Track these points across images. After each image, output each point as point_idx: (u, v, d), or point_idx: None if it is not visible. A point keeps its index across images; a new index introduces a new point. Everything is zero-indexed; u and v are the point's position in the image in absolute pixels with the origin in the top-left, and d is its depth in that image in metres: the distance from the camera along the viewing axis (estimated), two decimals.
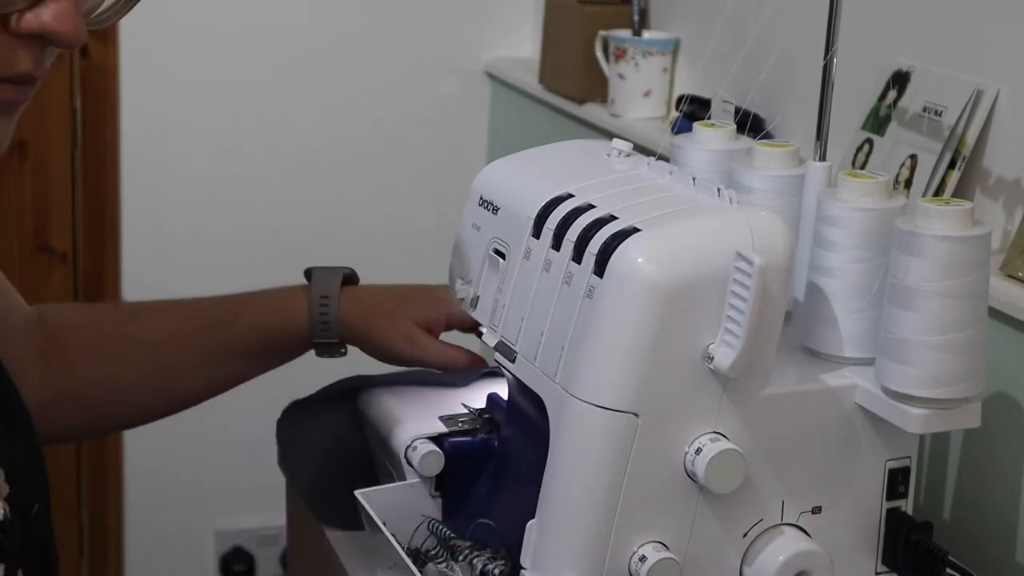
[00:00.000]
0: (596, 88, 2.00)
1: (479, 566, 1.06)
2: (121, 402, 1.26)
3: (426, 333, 1.24)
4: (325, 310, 1.25)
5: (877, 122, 1.42)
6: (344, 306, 1.25)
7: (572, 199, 1.05)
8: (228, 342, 1.26)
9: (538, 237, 1.06)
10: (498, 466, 1.16)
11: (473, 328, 1.19)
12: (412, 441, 1.16)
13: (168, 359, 1.26)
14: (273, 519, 1.97)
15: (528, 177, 1.14)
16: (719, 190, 1.02)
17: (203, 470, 2.38)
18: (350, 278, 1.29)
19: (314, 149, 2.32)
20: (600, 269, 0.97)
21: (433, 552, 1.11)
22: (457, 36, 2.36)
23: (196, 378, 1.27)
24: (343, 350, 1.28)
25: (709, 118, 1.26)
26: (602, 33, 1.97)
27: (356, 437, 1.28)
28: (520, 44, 2.37)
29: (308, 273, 1.28)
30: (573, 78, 2.03)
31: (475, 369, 1.26)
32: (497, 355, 1.10)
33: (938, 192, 1.32)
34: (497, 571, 1.05)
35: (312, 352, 1.28)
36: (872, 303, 1.07)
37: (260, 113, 2.28)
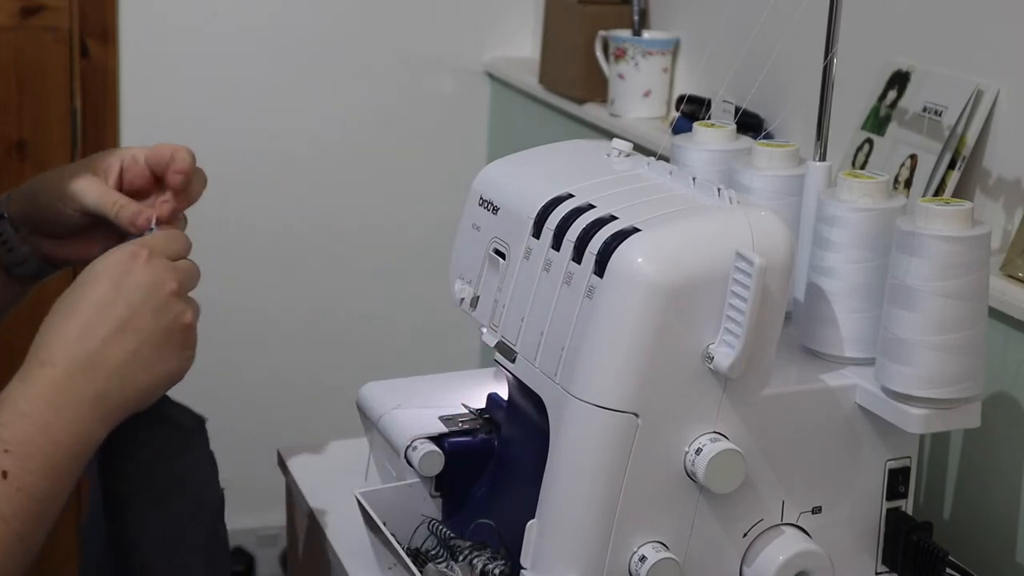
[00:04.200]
0: (596, 88, 1.99)
1: (479, 566, 1.06)
2: None
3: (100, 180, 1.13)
4: None
5: (877, 122, 1.42)
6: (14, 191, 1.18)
7: (572, 199, 1.05)
8: None
9: (538, 237, 1.06)
10: (498, 466, 1.16)
11: (158, 168, 1.11)
12: (412, 441, 1.16)
13: None
14: (273, 519, 1.96)
15: (528, 177, 1.14)
16: (719, 190, 1.02)
17: None
18: None
19: (314, 149, 2.32)
20: (600, 269, 0.97)
21: (433, 552, 1.11)
22: (457, 36, 2.36)
23: None
24: (26, 253, 1.16)
25: (709, 118, 1.25)
26: (602, 33, 1.97)
27: None
28: (520, 44, 2.37)
29: None
30: (573, 78, 2.03)
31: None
32: (497, 355, 1.10)
33: (938, 192, 1.32)
34: (497, 571, 1.05)
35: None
36: (872, 303, 1.07)
37: (260, 113, 2.28)
